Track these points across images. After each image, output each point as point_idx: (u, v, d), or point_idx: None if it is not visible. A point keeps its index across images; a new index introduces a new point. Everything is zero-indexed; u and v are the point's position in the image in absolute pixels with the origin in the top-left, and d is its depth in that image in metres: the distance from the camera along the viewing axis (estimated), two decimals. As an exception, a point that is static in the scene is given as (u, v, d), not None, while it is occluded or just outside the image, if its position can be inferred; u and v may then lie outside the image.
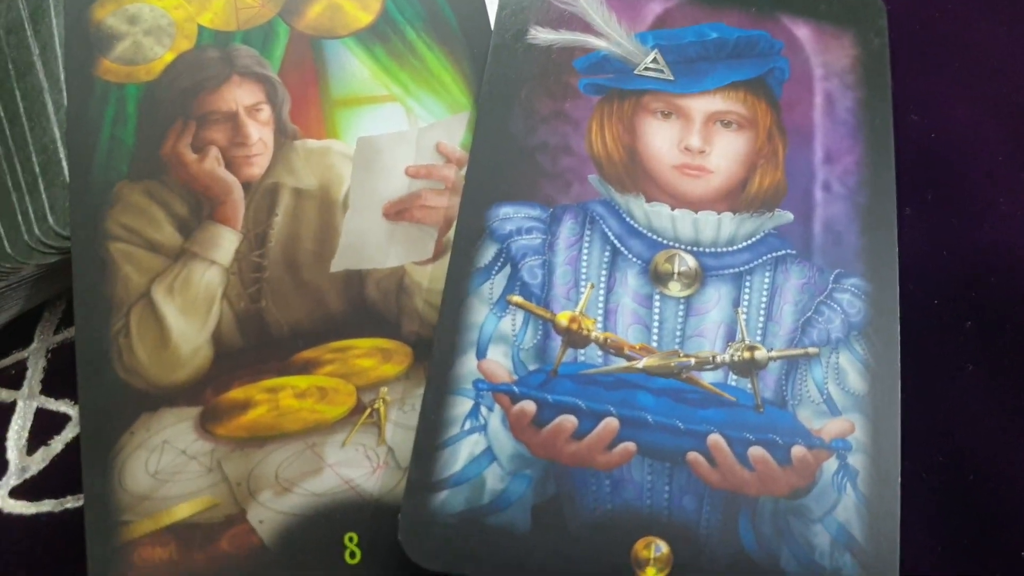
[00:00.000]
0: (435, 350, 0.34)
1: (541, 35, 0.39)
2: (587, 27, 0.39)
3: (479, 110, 0.38)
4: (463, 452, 0.33)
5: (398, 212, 0.37)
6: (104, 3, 0.40)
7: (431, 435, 0.33)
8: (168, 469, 0.33)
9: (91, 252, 0.36)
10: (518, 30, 0.39)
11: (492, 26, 0.40)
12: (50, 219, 0.37)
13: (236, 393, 0.34)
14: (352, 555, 0.32)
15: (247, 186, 0.37)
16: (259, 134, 0.38)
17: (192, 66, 0.39)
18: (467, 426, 0.33)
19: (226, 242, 0.36)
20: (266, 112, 0.38)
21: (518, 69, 0.38)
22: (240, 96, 0.38)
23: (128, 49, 0.39)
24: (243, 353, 0.35)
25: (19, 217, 0.37)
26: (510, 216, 0.36)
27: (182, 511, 0.33)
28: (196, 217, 0.37)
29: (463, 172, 0.38)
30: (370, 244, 0.37)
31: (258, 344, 0.35)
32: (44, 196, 0.37)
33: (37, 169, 0.37)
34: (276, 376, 0.35)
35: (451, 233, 0.37)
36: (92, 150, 0.37)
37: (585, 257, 0.36)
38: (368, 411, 0.34)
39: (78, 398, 0.35)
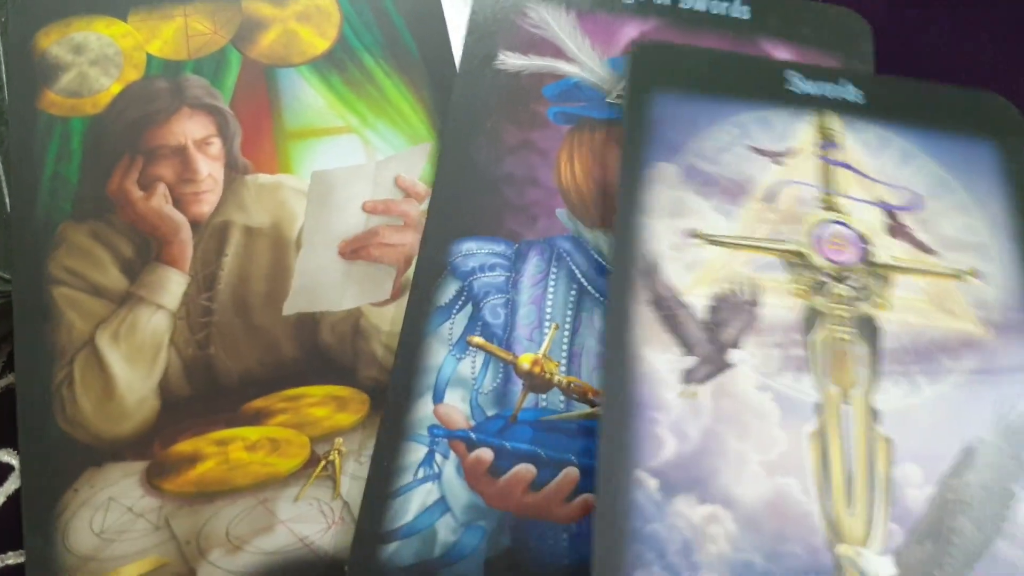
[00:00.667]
0: (389, 393, 0.32)
1: (510, 60, 0.37)
2: (558, 52, 0.38)
3: (443, 138, 0.36)
4: (415, 502, 0.31)
5: (354, 250, 0.35)
6: (49, 31, 0.38)
7: (382, 483, 0.31)
8: (114, 528, 0.32)
9: (33, 297, 0.34)
10: (486, 55, 0.37)
11: (457, 51, 0.38)
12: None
13: (184, 446, 0.33)
14: (306, 619, 0.31)
15: (195, 225, 0.35)
16: (209, 169, 0.36)
17: (140, 98, 0.37)
18: (420, 474, 0.31)
19: (173, 285, 0.35)
20: (216, 146, 0.36)
21: (485, 96, 0.37)
22: (190, 129, 0.37)
23: (73, 80, 0.37)
24: (191, 403, 0.33)
25: None
26: (473, 252, 0.34)
27: (129, 572, 0.32)
28: (142, 259, 0.35)
29: (424, 207, 0.36)
30: (325, 285, 0.35)
31: (207, 393, 0.33)
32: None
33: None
34: (226, 427, 0.33)
35: (411, 272, 0.35)
36: (35, 188, 0.36)
37: (551, 296, 0.34)
38: (322, 463, 0.33)
39: (19, 455, 0.33)
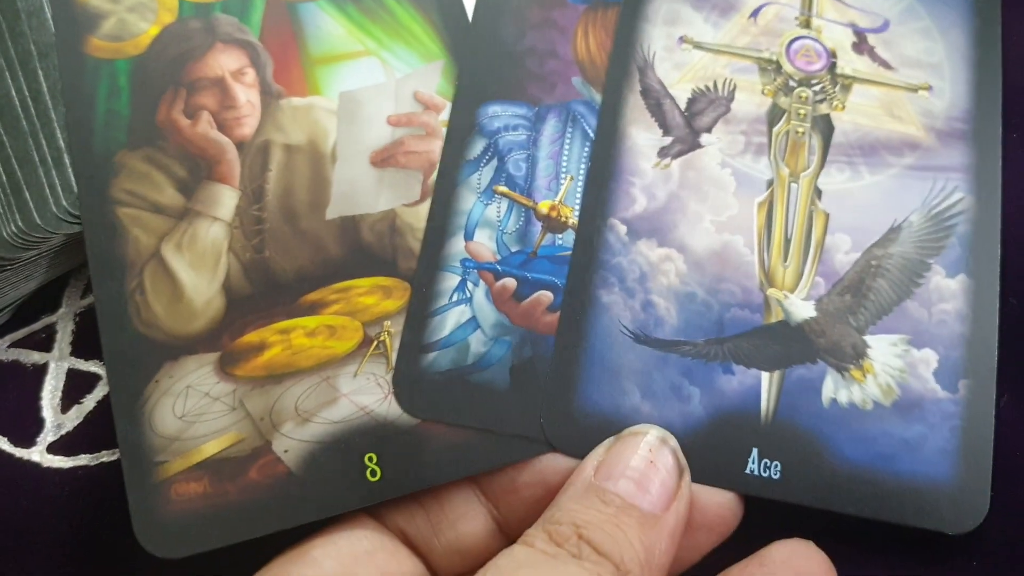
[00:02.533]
0: (426, 231, 0.37)
1: None
2: None
3: (474, 14, 0.40)
4: (450, 320, 0.36)
5: (384, 159, 0.39)
6: (86, -17, 0.41)
7: (422, 305, 0.36)
8: (194, 411, 0.35)
9: (101, 219, 0.37)
10: None
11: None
12: (76, 191, 0.38)
13: (251, 337, 0.36)
14: (373, 473, 0.35)
15: (240, 146, 0.39)
16: (246, 96, 0.39)
17: (177, 37, 0.40)
18: (455, 298, 0.36)
19: (226, 199, 0.38)
20: (251, 75, 0.40)
21: None
22: (225, 62, 0.40)
23: (114, 26, 0.40)
24: (253, 300, 0.37)
25: (47, 190, 0.38)
26: (498, 114, 0.39)
27: (211, 448, 0.35)
28: (195, 178, 0.38)
29: (441, 117, 0.39)
30: (361, 191, 0.38)
31: (266, 290, 0.37)
32: (69, 169, 0.38)
33: (61, 143, 0.38)
34: (286, 318, 0.36)
35: (436, 175, 0.39)
36: (90, 124, 0.39)
37: (566, 152, 0.38)
38: (375, 343, 0.36)
39: (103, 355, 0.36)
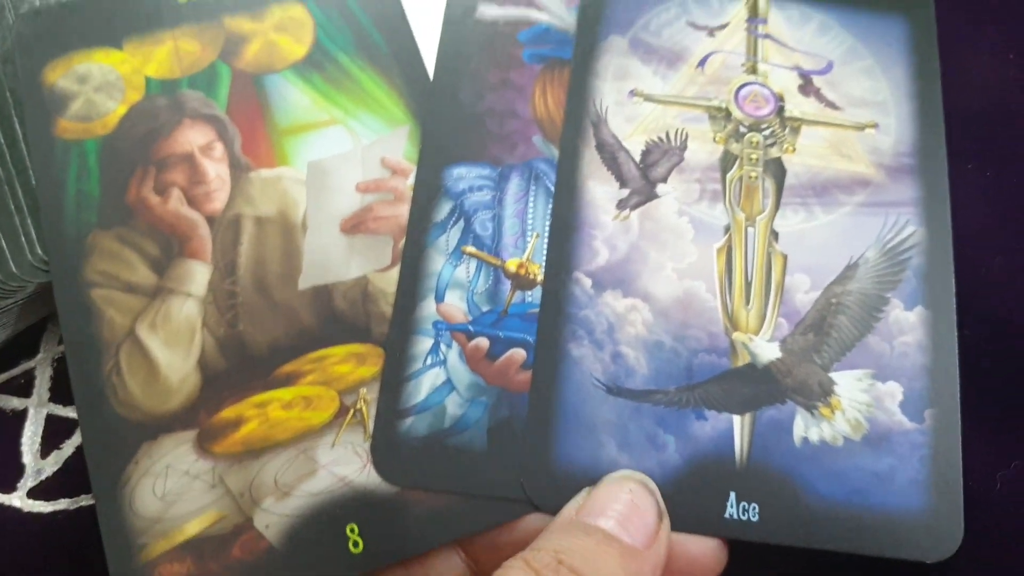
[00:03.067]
0: (397, 296, 0.37)
1: (489, 12, 0.42)
2: (529, 2, 0.42)
3: (434, 80, 0.40)
4: (426, 384, 0.36)
5: (354, 226, 0.39)
6: (54, 66, 0.41)
7: (397, 370, 0.36)
8: (174, 491, 0.35)
9: (75, 302, 0.37)
10: (467, 7, 0.42)
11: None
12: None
13: (227, 412, 0.36)
14: (355, 544, 0.35)
15: (211, 220, 0.39)
16: (216, 171, 0.40)
17: (145, 115, 0.41)
18: (428, 361, 0.36)
19: (199, 275, 0.38)
20: (219, 149, 0.40)
21: (468, 43, 0.41)
22: (193, 138, 0.40)
23: (82, 107, 0.41)
24: (228, 375, 0.37)
25: (22, 239, 0.39)
26: (463, 176, 0.39)
27: (193, 527, 0.35)
28: (168, 255, 0.38)
29: (409, 182, 0.40)
30: (332, 259, 0.38)
31: (241, 365, 0.37)
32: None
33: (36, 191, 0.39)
34: (262, 391, 0.37)
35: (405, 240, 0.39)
36: (61, 205, 0.39)
37: (531, 210, 0.39)
38: (351, 412, 0.36)
39: (81, 437, 0.36)
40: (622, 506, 0.32)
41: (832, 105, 0.41)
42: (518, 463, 0.35)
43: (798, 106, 0.41)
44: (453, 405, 0.36)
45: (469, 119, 0.40)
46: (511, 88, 0.40)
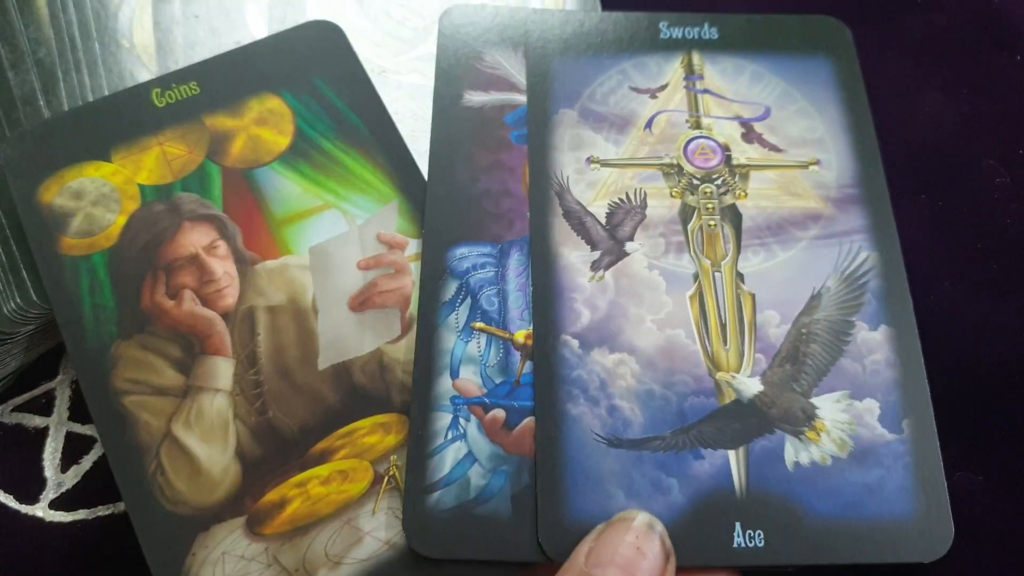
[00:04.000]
0: (415, 375, 0.39)
1: (475, 98, 0.45)
2: (512, 86, 0.45)
3: (429, 167, 0.43)
4: (449, 458, 0.38)
5: (361, 303, 0.42)
6: (48, 186, 0.43)
7: (420, 447, 0.38)
8: (234, 574, 0.38)
9: (108, 411, 0.39)
10: (454, 95, 0.45)
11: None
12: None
13: (271, 496, 0.39)
14: (408, 602, 0.37)
15: (226, 316, 0.41)
16: (223, 268, 0.42)
17: (145, 223, 0.43)
18: (449, 436, 0.39)
19: (223, 370, 0.40)
20: (223, 247, 0.42)
21: (458, 129, 0.44)
22: (196, 239, 0.42)
23: (82, 223, 0.42)
24: (266, 460, 0.39)
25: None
26: (466, 255, 0.42)
27: (255, 607, 0.38)
28: (190, 355, 0.41)
29: (407, 254, 0.42)
30: (346, 337, 0.41)
31: (276, 449, 0.39)
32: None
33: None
34: (300, 471, 0.39)
35: (412, 309, 0.41)
36: (80, 322, 0.41)
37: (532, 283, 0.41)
38: (385, 479, 0.39)
39: (136, 535, 0.38)
40: (630, 552, 0.34)
41: (775, 148, 0.44)
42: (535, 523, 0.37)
43: (744, 153, 0.44)
44: (477, 476, 0.38)
45: (466, 200, 0.42)
46: (503, 169, 0.43)
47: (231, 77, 0.45)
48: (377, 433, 0.40)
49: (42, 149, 0.43)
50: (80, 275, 0.41)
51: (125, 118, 0.44)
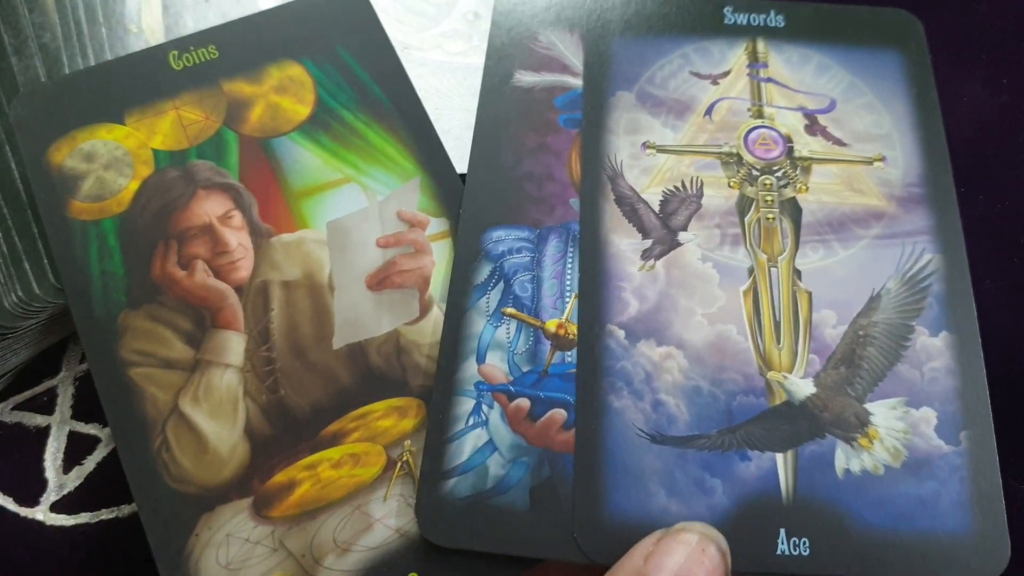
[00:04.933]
0: (440, 358, 0.38)
1: (525, 78, 0.43)
2: (565, 68, 0.44)
3: (473, 145, 0.41)
4: (468, 445, 0.37)
5: (379, 282, 0.40)
6: (59, 146, 0.41)
7: (439, 431, 0.37)
8: (238, 558, 0.36)
9: (114, 383, 0.38)
10: (504, 75, 0.43)
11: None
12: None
13: (279, 477, 0.37)
14: (418, 592, 0.36)
15: (239, 289, 0.40)
16: (237, 239, 0.40)
17: (158, 189, 0.41)
18: (470, 422, 0.37)
19: (234, 344, 0.39)
20: (237, 218, 0.41)
21: (505, 109, 0.42)
22: (210, 208, 0.41)
23: (93, 186, 0.41)
24: (276, 440, 0.38)
25: (45, 261, 0.40)
26: (502, 238, 0.40)
27: (259, 591, 0.36)
28: (201, 328, 0.39)
29: (427, 233, 0.41)
30: (362, 316, 0.40)
31: (287, 429, 0.38)
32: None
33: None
34: (310, 453, 0.38)
35: (431, 290, 0.40)
36: (87, 289, 0.39)
37: (569, 271, 0.40)
38: (398, 465, 0.38)
39: (139, 513, 0.37)
40: (691, 564, 0.32)
41: (839, 142, 0.42)
42: (561, 523, 0.35)
43: (806, 146, 0.42)
44: (495, 466, 0.37)
45: (508, 182, 0.41)
46: (548, 152, 0.42)
47: (251, 42, 0.43)
48: (391, 417, 0.38)
49: (54, 108, 0.42)
50: (89, 240, 0.40)
51: (141, 80, 0.43)
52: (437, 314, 0.40)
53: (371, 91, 0.43)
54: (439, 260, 0.40)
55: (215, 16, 0.47)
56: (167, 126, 0.42)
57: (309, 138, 0.42)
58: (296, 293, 0.40)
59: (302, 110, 0.42)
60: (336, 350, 0.39)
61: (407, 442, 0.38)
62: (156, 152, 0.41)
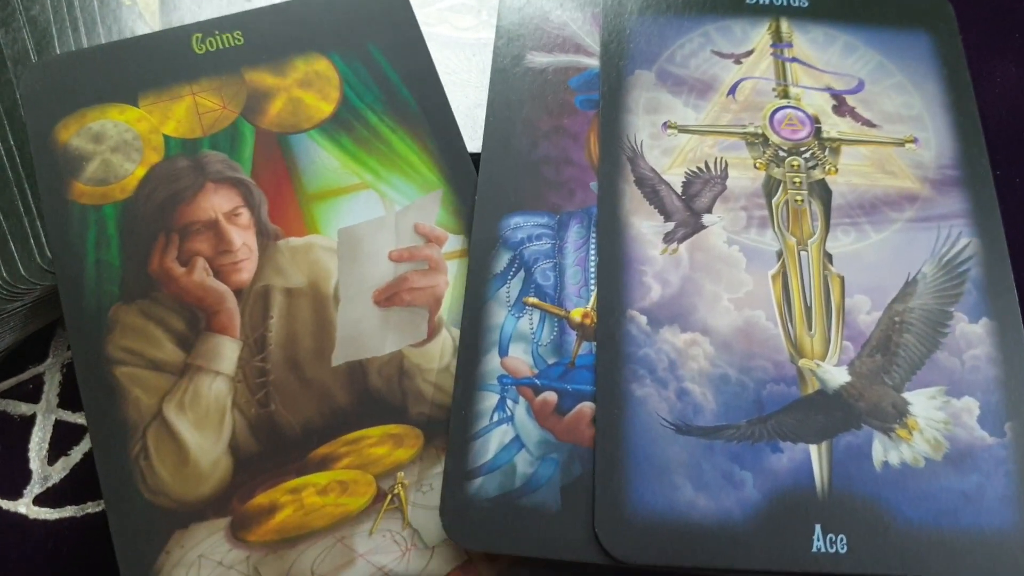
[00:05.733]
0: (460, 351, 0.36)
1: (538, 59, 0.41)
2: (579, 48, 0.41)
3: (485, 129, 0.39)
4: (494, 442, 0.34)
5: (388, 298, 0.37)
6: (67, 124, 0.39)
7: (463, 429, 0.35)
8: (208, 582, 0.34)
9: (97, 378, 0.36)
10: (515, 56, 0.41)
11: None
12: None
13: (261, 499, 0.35)
14: (396, 638, 0.33)
15: (238, 292, 0.37)
16: (242, 239, 0.38)
17: (165, 178, 0.39)
18: (495, 418, 0.35)
19: (228, 351, 0.36)
20: (245, 216, 0.38)
21: (518, 91, 0.40)
22: (217, 203, 0.38)
23: (98, 168, 0.39)
24: (261, 458, 0.35)
25: (31, 241, 0.38)
26: (521, 225, 0.38)
27: (228, 620, 0.34)
28: (194, 330, 0.37)
29: (443, 251, 0.38)
30: (366, 333, 0.37)
31: (274, 447, 0.35)
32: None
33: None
34: (296, 476, 0.35)
35: (442, 312, 0.37)
36: (80, 276, 0.37)
37: (592, 258, 0.37)
38: (389, 497, 0.35)
39: (109, 522, 0.35)
40: None
41: (868, 123, 0.40)
42: (591, 515, 0.33)
43: (835, 126, 0.40)
44: (523, 463, 0.34)
45: (524, 167, 0.39)
46: (565, 135, 0.39)
47: (279, 31, 0.41)
48: (387, 444, 0.36)
49: (65, 83, 0.40)
50: (88, 226, 0.37)
51: (160, 61, 0.40)
52: (446, 338, 0.37)
53: (400, 94, 0.40)
54: (453, 280, 0.37)
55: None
56: (182, 112, 0.39)
57: (329, 138, 0.39)
58: (299, 302, 0.37)
59: (325, 107, 0.40)
60: (335, 367, 0.36)
61: (400, 473, 0.35)
62: (168, 138, 0.39)
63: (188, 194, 0.38)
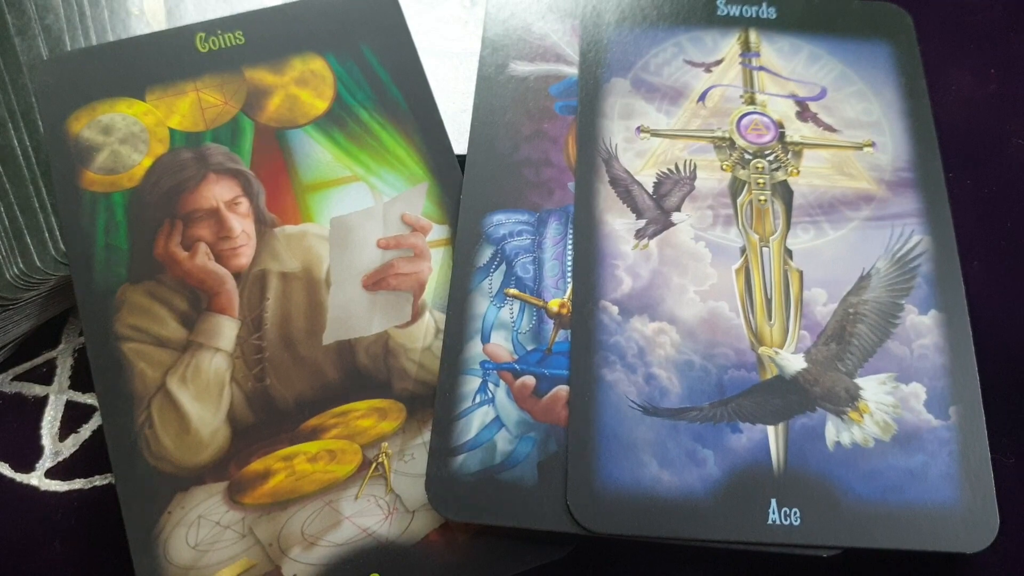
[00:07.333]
0: (445, 338, 0.38)
1: (520, 68, 0.44)
2: (559, 57, 0.44)
3: (470, 133, 0.42)
4: (475, 422, 0.37)
5: (375, 283, 0.40)
6: (78, 116, 0.42)
7: (448, 409, 0.37)
8: (206, 540, 0.37)
9: (107, 355, 0.38)
10: (499, 64, 0.44)
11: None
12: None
13: (256, 465, 0.38)
14: (378, 593, 0.36)
15: (237, 276, 0.40)
16: (241, 226, 0.40)
17: (170, 168, 0.41)
18: (477, 400, 0.37)
19: (227, 330, 0.39)
20: (244, 205, 0.41)
21: (501, 97, 0.43)
22: (219, 192, 0.41)
23: (108, 159, 0.41)
24: (257, 428, 0.38)
25: (46, 235, 0.41)
26: (502, 222, 0.40)
27: (225, 575, 0.37)
28: (196, 309, 0.39)
29: (428, 239, 0.41)
30: (355, 315, 0.40)
31: (268, 418, 0.38)
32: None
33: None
34: (289, 445, 0.38)
35: (425, 296, 0.40)
36: (91, 259, 0.40)
37: (569, 252, 0.40)
38: (373, 465, 0.38)
39: (116, 486, 0.37)
40: None
41: (830, 128, 0.43)
42: (565, 489, 0.36)
43: (798, 131, 0.43)
44: (503, 441, 0.37)
45: (506, 168, 0.41)
46: (545, 138, 0.42)
47: (278, 31, 0.44)
48: (372, 417, 0.38)
49: (77, 78, 0.42)
50: (98, 212, 0.40)
51: (165, 59, 0.43)
52: (429, 320, 0.40)
53: (390, 92, 0.43)
54: (437, 267, 0.40)
55: (216, 0, 0.47)
56: (186, 107, 0.42)
57: (323, 133, 0.42)
58: (293, 285, 0.40)
59: (320, 104, 0.42)
60: (325, 345, 0.39)
61: (384, 444, 0.38)
62: (172, 131, 0.42)
63: (191, 184, 0.41)
